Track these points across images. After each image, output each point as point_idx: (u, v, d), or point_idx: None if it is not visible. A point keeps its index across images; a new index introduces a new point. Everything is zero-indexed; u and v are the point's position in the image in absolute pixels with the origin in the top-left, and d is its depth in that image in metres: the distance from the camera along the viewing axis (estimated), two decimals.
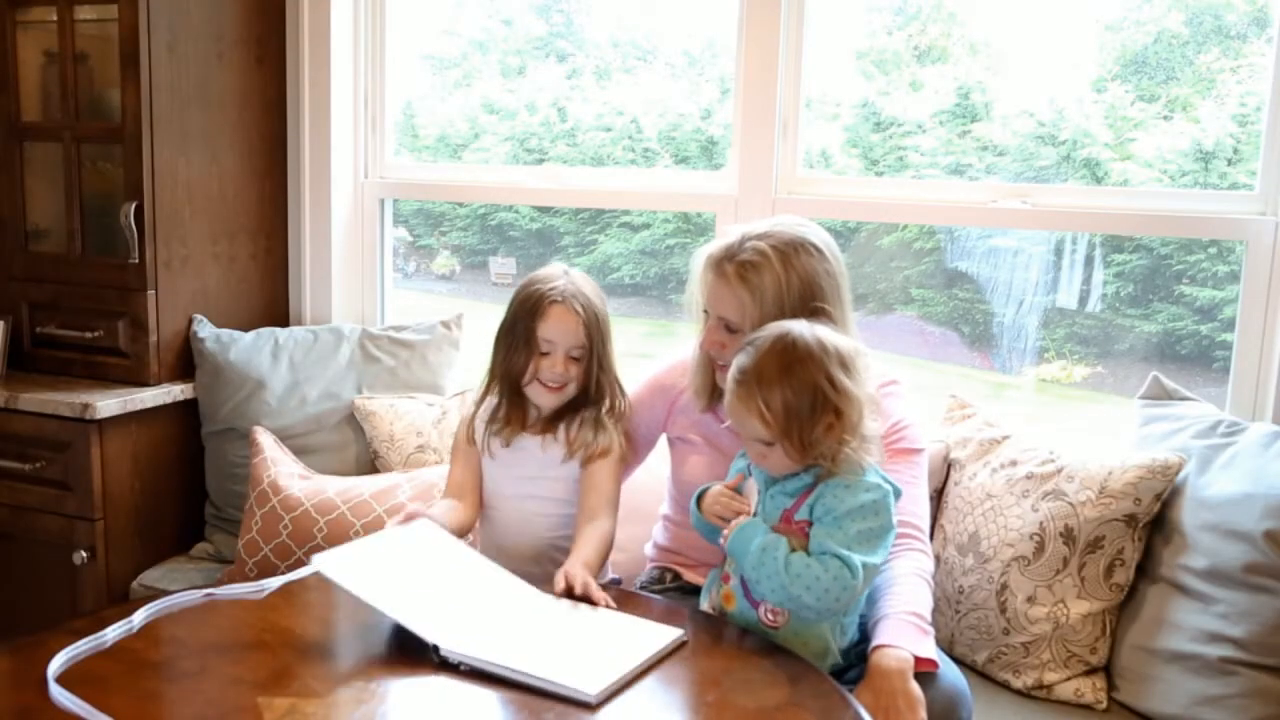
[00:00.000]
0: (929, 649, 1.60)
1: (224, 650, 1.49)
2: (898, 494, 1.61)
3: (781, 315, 1.68)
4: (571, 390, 1.85)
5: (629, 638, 1.50)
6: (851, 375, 1.55)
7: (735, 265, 1.74)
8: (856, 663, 1.63)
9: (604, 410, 1.88)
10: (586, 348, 1.84)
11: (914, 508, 1.78)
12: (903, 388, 1.88)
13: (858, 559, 1.52)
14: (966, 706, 1.65)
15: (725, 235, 1.80)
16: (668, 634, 1.51)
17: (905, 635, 1.59)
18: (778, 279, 1.72)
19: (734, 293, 1.73)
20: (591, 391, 1.87)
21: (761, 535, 1.54)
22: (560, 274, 1.87)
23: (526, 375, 1.84)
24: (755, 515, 1.60)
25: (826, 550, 1.52)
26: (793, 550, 1.53)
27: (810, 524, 1.55)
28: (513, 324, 1.86)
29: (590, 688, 1.35)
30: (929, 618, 1.66)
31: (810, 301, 1.72)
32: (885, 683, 1.53)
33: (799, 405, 1.52)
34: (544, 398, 1.86)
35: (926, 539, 1.79)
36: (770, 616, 1.57)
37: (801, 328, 1.58)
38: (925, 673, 1.60)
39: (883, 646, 1.57)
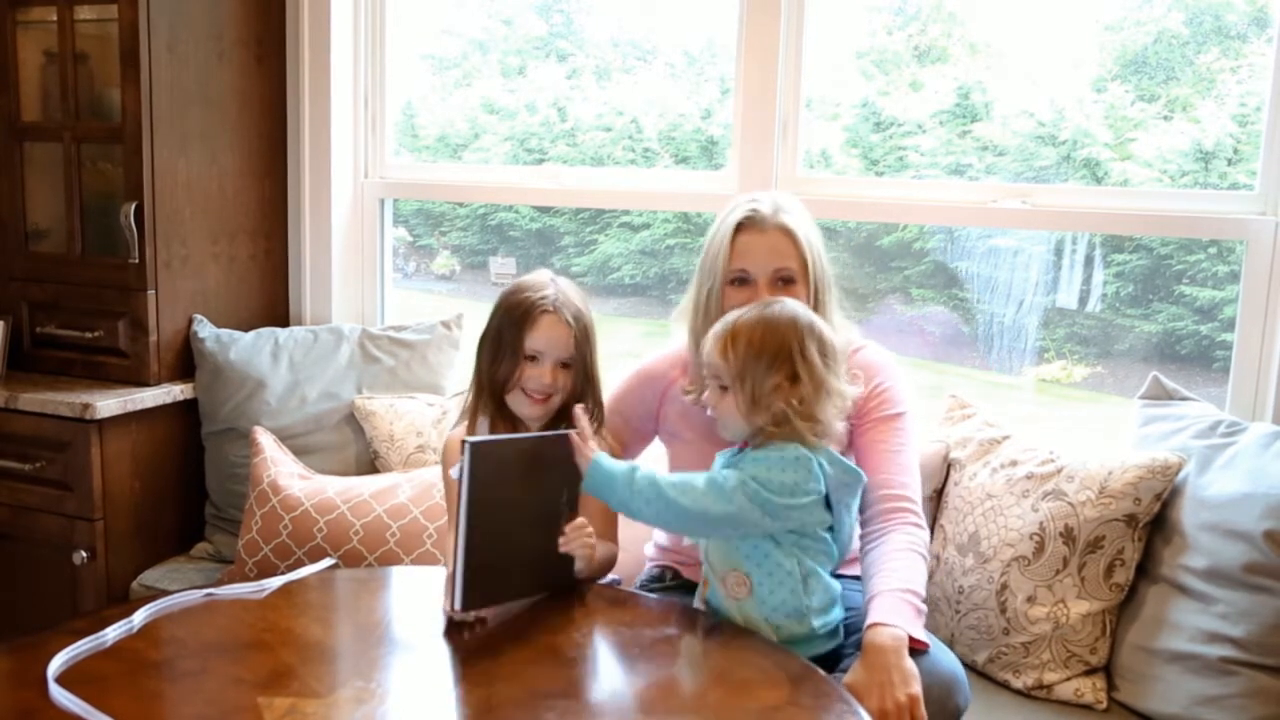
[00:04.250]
0: (920, 631, 1.61)
1: (224, 650, 1.49)
2: (853, 474, 1.63)
3: (823, 266, 1.80)
4: (557, 402, 1.81)
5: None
6: (826, 360, 1.60)
7: (787, 215, 1.80)
8: (853, 651, 1.63)
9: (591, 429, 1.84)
10: (576, 358, 1.80)
11: (902, 478, 1.76)
12: (872, 349, 1.90)
13: (734, 473, 1.56)
14: (963, 692, 1.65)
15: (743, 203, 1.83)
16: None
17: (899, 613, 1.59)
18: (815, 230, 1.82)
19: (791, 241, 1.78)
20: (578, 401, 1.82)
21: (618, 464, 1.59)
22: (549, 282, 1.83)
23: (511, 384, 1.80)
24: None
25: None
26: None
27: None
28: (498, 332, 1.81)
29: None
30: (923, 593, 1.66)
31: (824, 253, 1.82)
32: (880, 658, 1.53)
33: (759, 354, 1.57)
34: (526, 408, 1.81)
35: (918, 509, 1.77)
36: (736, 589, 1.60)
37: (799, 304, 1.66)
38: (922, 658, 1.61)
39: (877, 624, 1.57)
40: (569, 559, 1.65)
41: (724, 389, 1.60)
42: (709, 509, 1.55)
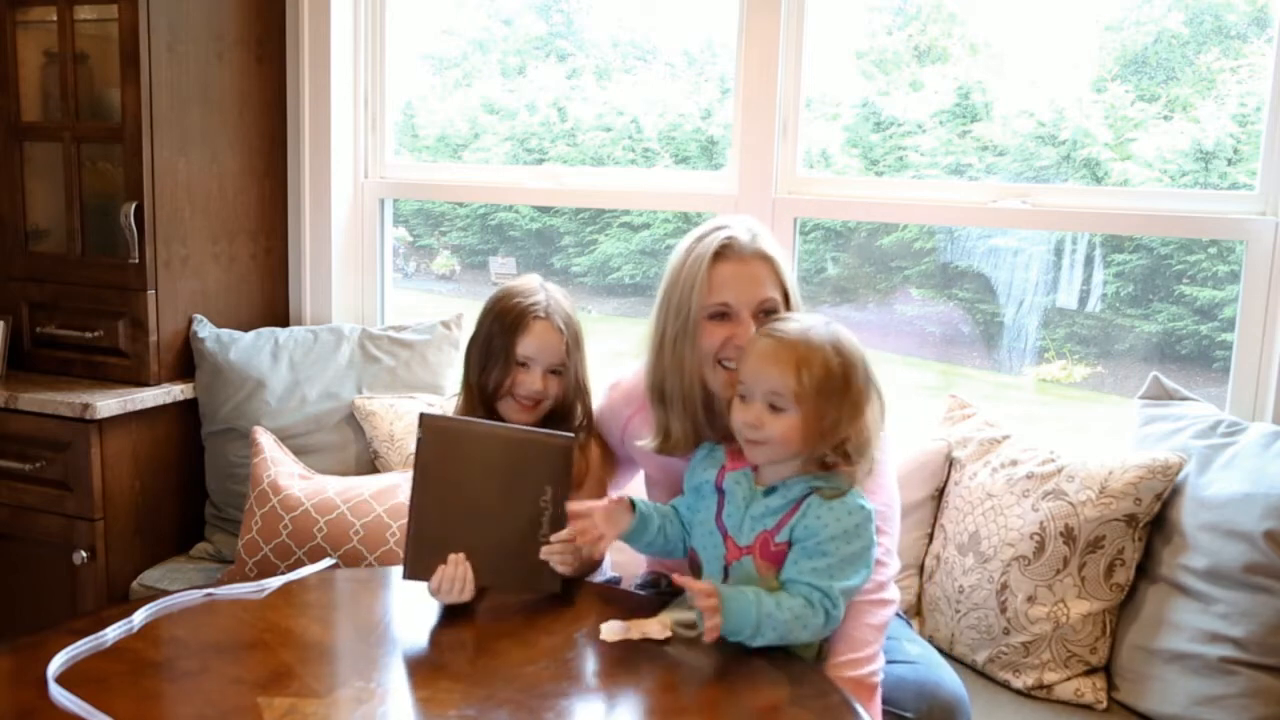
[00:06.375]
0: (868, 714, 1.50)
1: (224, 650, 1.49)
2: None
3: (795, 293, 1.66)
4: (545, 408, 1.82)
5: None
6: (877, 389, 1.53)
7: (764, 243, 1.64)
8: None
9: (580, 438, 1.82)
10: (566, 365, 1.80)
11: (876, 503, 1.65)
12: None
13: (837, 586, 1.47)
14: (965, 713, 1.64)
15: (717, 232, 1.67)
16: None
17: None
18: (785, 256, 1.69)
19: (773, 270, 1.63)
20: (568, 411, 1.83)
21: (751, 602, 1.46)
22: (539, 288, 1.82)
23: (502, 390, 1.79)
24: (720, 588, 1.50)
25: (807, 581, 1.48)
26: (770, 590, 1.49)
27: (790, 545, 1.50)
28: (489, 338, 1.80)
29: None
30: (870, 652, 1.56)
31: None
32: None
33: (837, 379, 1.47)
34: (515, 414, 1.81)
35: (888, 538, 1.66)
36: None
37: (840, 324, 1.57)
38: (924, 682, 1.59)
39: None
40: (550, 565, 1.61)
41: (777, 410, 1.48)
42: (823, 634, 1.51)
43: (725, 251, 1.63)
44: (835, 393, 1.47)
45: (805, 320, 1.55)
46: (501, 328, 1.79)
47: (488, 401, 1.82)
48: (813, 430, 1.48)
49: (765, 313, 1.62)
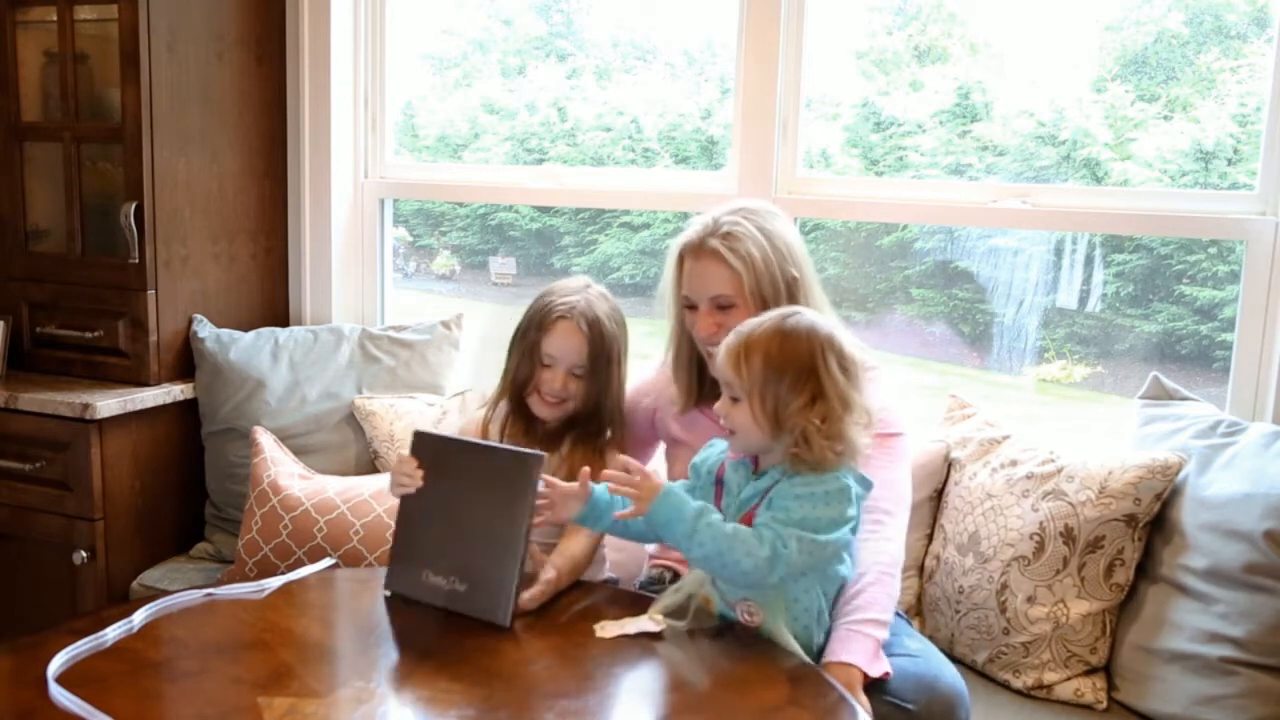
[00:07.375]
0: (879, 668, 1.59)
1: (224, 650, 1.49)
2: (868, 486, 1.59)
3: (772, 279, 1.77)
4: (570, 407, 1.83)
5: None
6: (846, 373, 1.55)
7: (720, 239, 1.78)
8: None
9: (603, 439, 1.85)
10: (588, 368, 1.82)
11: (884, 491, 1.74)
12: (880, 373, 1.87)
13: (794, 532, 1.49)
14: (965, 707, 1.64)
15: (692, 225, 1.84)
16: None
17: (856, 650, 1.58)
18: (760, 243, 1.78)
19: (724, 265, 1.77)
20: (595, 413, 1.84)
21: (690, 502, 1.53)
22: (579, 289, 1.85)
23: (529, 387, 1.83)
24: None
25: (762, 522, 1.52)
26: None
27: None
28: (524, 332, 1.85)
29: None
30: (886, 616, 1.64)
31: (790, 262, 1.80)
32: None
33: (781, 372, 1.53)
34: (542, 410, 1.85)
35: (896, 522, 1.76)
36: (747, 616, 1.56)
37: (814, 314, 1.61)
38: (924, 675, 1.60)
39: (831, 663, 1.56)
40: (508, 594, 1.54)
41: (735, 400, 1.56)
42: (767, 576, 1.50)
43: (684, 249, 1.83)
44: (773, 379, 1.53)
45: (770, 315, 1.60)
46: (532, 324, 1.84)
47: (518, 395, 1.87)
48: (761, 415, 1.53)
49: (720, 306, 1.78)
